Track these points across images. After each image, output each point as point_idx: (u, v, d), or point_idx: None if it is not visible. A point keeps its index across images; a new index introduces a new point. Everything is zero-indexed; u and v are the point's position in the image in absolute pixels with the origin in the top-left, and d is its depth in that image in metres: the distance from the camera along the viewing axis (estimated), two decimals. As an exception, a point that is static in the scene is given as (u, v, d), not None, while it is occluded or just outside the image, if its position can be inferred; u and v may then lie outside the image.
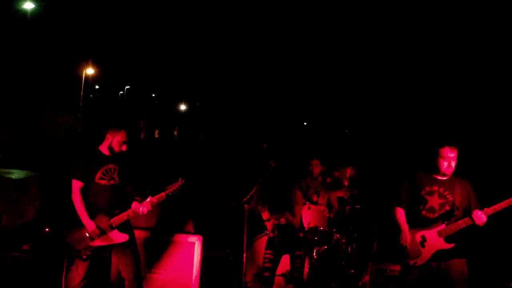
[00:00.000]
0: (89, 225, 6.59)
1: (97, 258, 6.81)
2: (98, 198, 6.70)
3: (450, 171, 6.25)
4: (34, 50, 31.72)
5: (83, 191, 6.67)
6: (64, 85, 35.91)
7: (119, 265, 6.90)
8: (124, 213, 6.67)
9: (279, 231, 7.65)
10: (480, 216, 6.02)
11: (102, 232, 6.62)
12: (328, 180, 9.42)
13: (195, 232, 8.01)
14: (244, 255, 7.78)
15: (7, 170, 9.44)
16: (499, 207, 6.01)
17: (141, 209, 6.67)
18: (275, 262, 7.66)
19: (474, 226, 6.10)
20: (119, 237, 6.68)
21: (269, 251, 7.65)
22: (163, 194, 6.69)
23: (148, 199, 6.70)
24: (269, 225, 7.91)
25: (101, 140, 6.89)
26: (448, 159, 6.22)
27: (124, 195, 6.86)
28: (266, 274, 7.62)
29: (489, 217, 6.10)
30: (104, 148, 6.84)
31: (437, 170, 6.31)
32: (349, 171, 9.06)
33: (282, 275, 8.54)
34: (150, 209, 6.71)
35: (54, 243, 7.37)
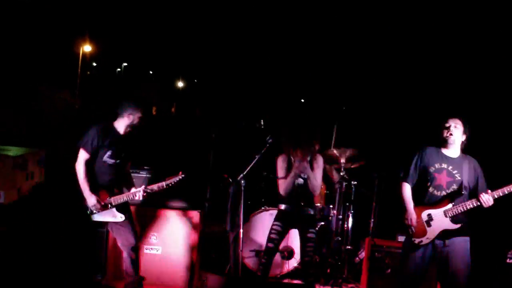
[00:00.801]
0: (91, 198, 6.61)
1: (94, 233, 6.86)
2: (102, 175, 6.75)
3: (451, 138, 6.24)
4: (31, 27, 31.60)
5: (88, 164, 6.68)
6: (61, 63, 35.78)
7: (116, 236, 6.93)
8: (124, 194, 6.77)
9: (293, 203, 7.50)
10: (488, 199, 5.99)
11: (102, 208, 6.66)
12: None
13: (192, 208, 8.02)
14: (241, 230, 7.79)
15: (4, 147, 9.45)
16: (508, 189, 5.98)
17: (138, 195, 6.79)
18: (282, 235, 7.50)
19: (480, 208, 6.08)
20: (116, 216, 6.73)
21: (277, 223, 7.43)
22: (163, 183, 6.78)
23: (143, 187, 6.82)
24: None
25: (113, 117, 6.95)
26: (451, 125, 6.22)
27: (124, 172, 6.97)
28: (270, 245, 7.48)
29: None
30: (120, 127, 6.88)
31: (442, 141, 6.30)
32: (349, 152, 9.04)
33: (279, 251, 8.58)
34: (148, 192, 6.81)
35: (53, 218, 7.40)
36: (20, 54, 27.78)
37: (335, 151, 9.06)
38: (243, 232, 7.84)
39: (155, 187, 6.81)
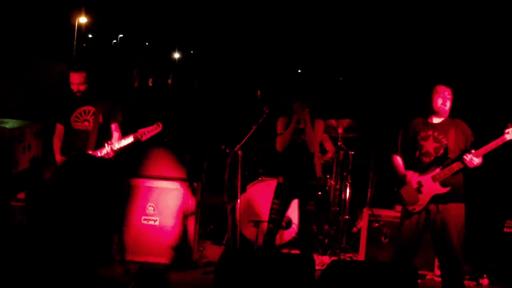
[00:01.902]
0: (58, 158, 6.73)
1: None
2: (73, 140, 6.71)
3: (444, 109, 6.22)
4: (26, -1, 31.43)
5: (63, 134, 6.71)
6: (57, 35, 35.60)
7: None
8: (93, 153, 6.64)
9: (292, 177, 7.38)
10: (471, 159, 6.00)
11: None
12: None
13: (190, 179, 8.02)
14: (238, 201, 7.80)
15: (1, 120, 9.42)
16: (490, 147, 5.98)
17: (103, 151, 6.63)
18: (283, 212, 7.41)
19: (468, 168, 6.09)
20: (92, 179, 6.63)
21: (277, 201, 7.36)
22: (131, 135, 6.63)
23: (108, 141, 6.67)
24: None
25: None
26: (444, 96, 6.19)
27: (100, 137, 6.77)
28: (271, 226, 7.40)
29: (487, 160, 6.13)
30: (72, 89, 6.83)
31: (432, 110, 6.26)
32: (347, 122, 9.02)
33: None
34: (114, 149, 6.65)
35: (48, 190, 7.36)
36: (16, 27, 27.64)
37: (332, 121, 9.05)
38: (240, 203, 7.85)
39: (123, 141, 6.66)
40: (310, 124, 7.32)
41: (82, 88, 6.75)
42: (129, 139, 6.63)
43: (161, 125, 6.65)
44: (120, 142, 6.65)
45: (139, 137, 6.59)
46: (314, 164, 7.43)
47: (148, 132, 6.59)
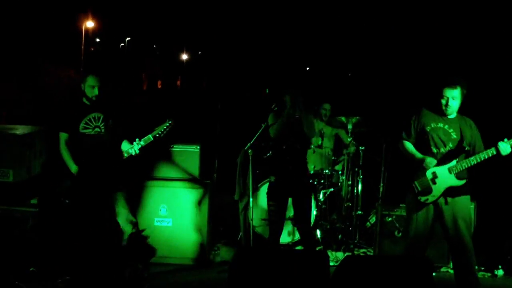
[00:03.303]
0: (74, 168, 6.61)
1: (95, 206, 6.77)
2: (84, 148, 6.68)
3: (449, 110, 6.21)
4: (33, 4, 31.52)
5: (70, 143, 6.68)
6: (65, 39, 35.73)
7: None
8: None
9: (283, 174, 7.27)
10: (505, 147, 5.95)
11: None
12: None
13: (202, 179, 8.03)
14: (250, 200, 7.80)
15: (11, 126, 9.45)
16: None
17: (125, 154, 6.65)
18: (281, 213, 7.20)
19: (494, 157, 6.04)
20: (109, 184, 6.64)
21: (272, 203, 7.15)
22: (149, 136, 6.60)
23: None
24: None
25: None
26: (447, 98, 6.19)
27: (112, 142, 6.77)
28: (273, 227, 7.29)
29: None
30: (85, 98, 6.80)
31: (440, 110, 6.27)
32: (356, 117, 9.01)
33: (289, 218, 8.57)
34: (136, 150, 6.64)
35: (60, 196, 7.37)
36: (23, 32, 27.75)
37: (343, 117, 9.05)
38: (252, 201, 7.85)
39: (141, 142, 6.63)
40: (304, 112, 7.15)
41: (97, 91, 6.74)
42: (149, 139, 6.60)
43: (171, 121, 6.65)
44: (140, 142, 6.63)
45: (156, 136, 6.58)
46: (306, 161, 7.34)
47: (162, 130, 6.59)
